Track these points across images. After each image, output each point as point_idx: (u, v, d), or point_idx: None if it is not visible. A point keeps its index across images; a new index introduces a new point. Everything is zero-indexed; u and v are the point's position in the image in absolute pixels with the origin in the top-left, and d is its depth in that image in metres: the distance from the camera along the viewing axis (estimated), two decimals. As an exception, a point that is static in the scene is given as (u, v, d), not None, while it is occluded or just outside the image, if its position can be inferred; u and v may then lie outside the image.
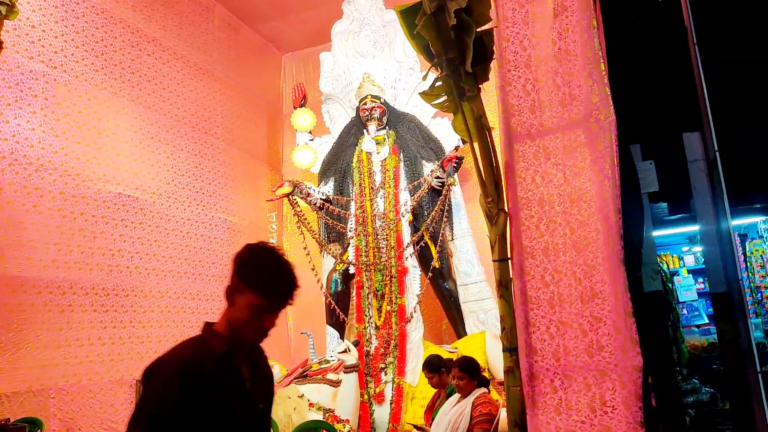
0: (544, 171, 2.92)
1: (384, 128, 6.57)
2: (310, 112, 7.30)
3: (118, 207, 5.36)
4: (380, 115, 6.51)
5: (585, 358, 2.68)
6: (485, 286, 6.13)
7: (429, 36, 2.93)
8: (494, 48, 2.99)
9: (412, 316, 5.88)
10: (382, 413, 5.50)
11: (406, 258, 6.07)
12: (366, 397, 5.57)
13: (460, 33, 2.84)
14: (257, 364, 1.86)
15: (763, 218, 6.71)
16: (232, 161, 7.11)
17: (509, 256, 3.00)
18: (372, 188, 6.40)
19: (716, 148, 3.74)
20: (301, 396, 5.19)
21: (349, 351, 5.32)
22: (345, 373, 5.19)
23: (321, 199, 6.56)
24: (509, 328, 2.93)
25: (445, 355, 4.73)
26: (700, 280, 7.57)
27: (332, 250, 6.43)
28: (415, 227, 6.22)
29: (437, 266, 6.01)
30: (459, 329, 6.15)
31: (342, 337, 6.16)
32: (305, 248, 6.42)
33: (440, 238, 6.03)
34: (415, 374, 5.59)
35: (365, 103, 6.52)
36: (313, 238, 6.57)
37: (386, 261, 6.05)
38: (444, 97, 3.26)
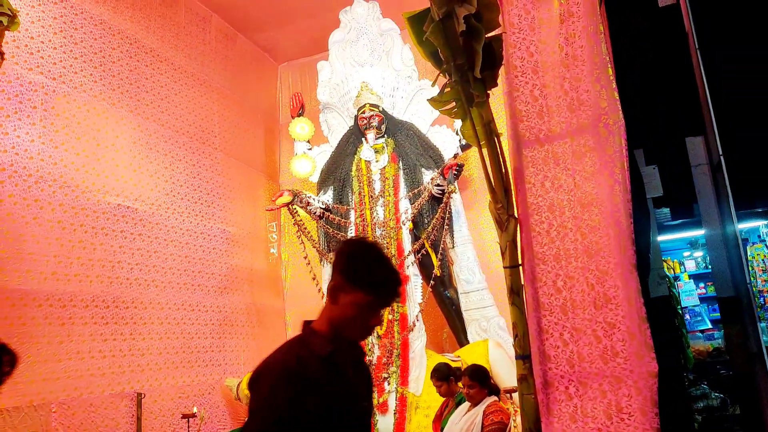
0: (554, 176, 2.91)
1: (383, 136, 6.55)
2: (308, 121, 7.28)
3: (118, 218, 5.31)
4: (379, 123, 6.50)
5: (600, 364, 2.66)
6: (487, 293, 6.09)
7: (438, 42, 2.92)
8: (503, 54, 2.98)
9: (414, 325, 5.84)
10: (386, 423, 5.45)
11: (407, 266, 6.04)
12: (370, 407, 5.52)
13: (469, 39, 2.83)
14: (358, 362, 1.83)
15: (765, 222, 6.74)
16: (230, 171, 7.07)
17: (520, 262, 2.98)
18: (372, 197, 6.38)
19: (721, 152, 3.75)
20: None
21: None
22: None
23: (321, 208, 6.54)
24: (522, 336, 2.90)
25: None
26: (701, 285, 7.59)
27: (332, 259, 6.39)
28: (415, 235, 6.20)
29: (438, 274, 5.99)
30: (461, 337, 6.12)
31: (344, 347, 6.11)
32: (305, 257, 6.40)
33: (441, 246, 6.01)
34: (418, 383, 5.55)
35: (363, 112, 6.52)
36: (314, 247, 6.54)
37: (387, 269, 6.00)
38: (452, 104, 3.25)
